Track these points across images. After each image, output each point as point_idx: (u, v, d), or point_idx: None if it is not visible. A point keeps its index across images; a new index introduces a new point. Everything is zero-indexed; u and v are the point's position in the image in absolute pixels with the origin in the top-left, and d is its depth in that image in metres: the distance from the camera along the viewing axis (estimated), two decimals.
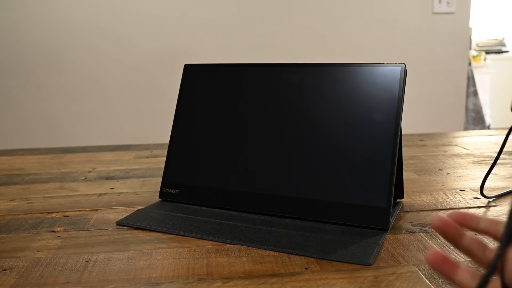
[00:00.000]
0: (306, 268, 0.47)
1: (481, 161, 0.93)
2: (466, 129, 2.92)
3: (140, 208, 0.67)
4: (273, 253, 0.51)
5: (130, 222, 0.61)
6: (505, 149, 0.97)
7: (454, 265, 0.32)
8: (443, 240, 0.54)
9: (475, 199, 0.69)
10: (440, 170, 0.87)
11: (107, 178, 0.86)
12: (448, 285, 0.43)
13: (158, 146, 1.14)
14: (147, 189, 0.78)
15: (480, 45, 4.73)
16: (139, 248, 0.53)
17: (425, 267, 0.47)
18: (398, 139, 0.58)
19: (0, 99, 2.12)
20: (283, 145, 0.64)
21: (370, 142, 0.59)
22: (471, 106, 3.11)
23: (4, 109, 2.13)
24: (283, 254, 0.51)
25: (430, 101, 2.37)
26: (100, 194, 0.76)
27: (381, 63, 0.62)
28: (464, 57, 2.38)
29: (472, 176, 0.82)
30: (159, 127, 2.12)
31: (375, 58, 2.24)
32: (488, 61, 4.50)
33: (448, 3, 2.26)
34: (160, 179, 0.71)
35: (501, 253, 0.28)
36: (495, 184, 0.77)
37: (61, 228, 0.60)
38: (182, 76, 0.74)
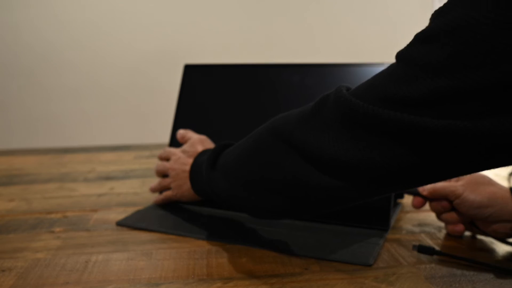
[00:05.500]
0: (306, 269, 0.47)
1: None
2: None
3: (140, 208, 0.67)
4: (273, 253, 0.51)
5: (130, 223, 0.61)
6: None
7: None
8: (443, 240, 0.54)
9: None
10: None
11: (107, 178, 0.86)
12: (448, 285, 0.43)
13: (158, 146, 1.14)
14: (147, 189, 0.77)
15: None
16: (139, 249, 0.53)
17: (425, 267, 0.47)
18: None
19: (0, 99, 2.12)
20: None
21: None
22: None
23: (4, 109, 2.12)
24: (283, 254, 0.51)
25: None
26: (100, 195, 0.76)
27: (381, 63, 0.62)
28: None
29: None
30: (159, 127, 2.11)
31: (375, 58, 2.23)
32: None
33: None
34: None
35: None
36: None
37: (61, 229, 0.60)
38: (182, 76, 0.74)
